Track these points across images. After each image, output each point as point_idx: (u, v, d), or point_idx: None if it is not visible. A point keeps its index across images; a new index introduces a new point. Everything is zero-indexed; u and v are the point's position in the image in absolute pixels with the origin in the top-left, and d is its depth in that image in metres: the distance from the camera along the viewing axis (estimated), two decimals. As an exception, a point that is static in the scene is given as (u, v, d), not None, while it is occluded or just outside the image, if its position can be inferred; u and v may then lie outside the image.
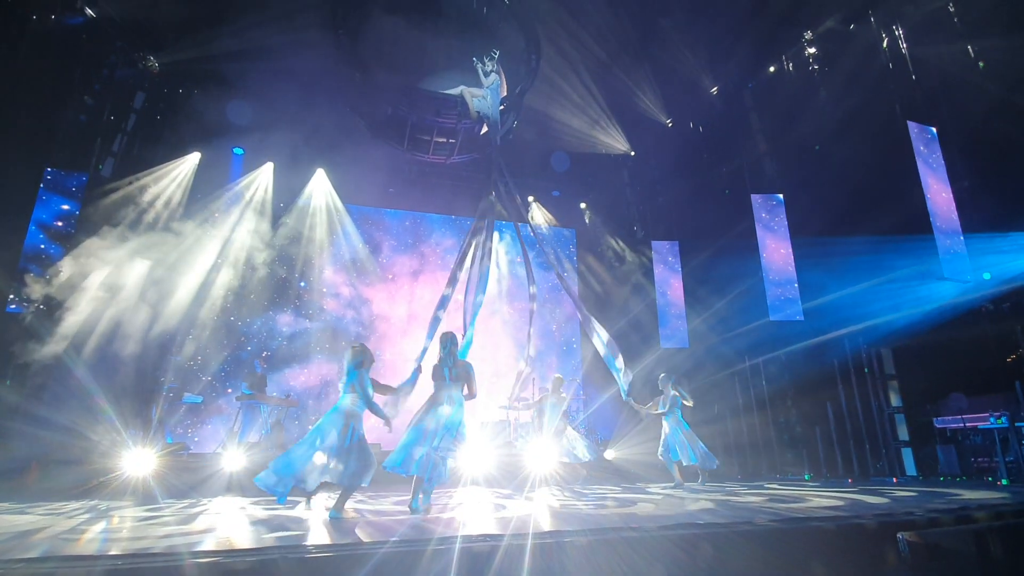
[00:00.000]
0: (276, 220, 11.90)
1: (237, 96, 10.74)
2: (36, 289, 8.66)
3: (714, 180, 12.54)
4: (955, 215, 8.42)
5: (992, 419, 7.67)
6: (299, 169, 12.21)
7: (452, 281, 7.35)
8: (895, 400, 9.53)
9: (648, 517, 4.24)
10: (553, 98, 11.64)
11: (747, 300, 10.69)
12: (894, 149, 8.83)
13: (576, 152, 13.09)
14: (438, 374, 5.38)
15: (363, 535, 3.53)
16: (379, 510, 5.09)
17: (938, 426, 8.58)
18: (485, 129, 9.50)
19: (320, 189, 12.53)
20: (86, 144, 9.86)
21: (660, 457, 8.01)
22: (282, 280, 11.76)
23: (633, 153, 13.58)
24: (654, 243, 12.93)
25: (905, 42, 9.42)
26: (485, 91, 9.33)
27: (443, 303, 7.08)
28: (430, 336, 6.52)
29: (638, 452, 9.98)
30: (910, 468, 9.06)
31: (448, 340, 5.49)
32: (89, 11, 9.39)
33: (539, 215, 14.52)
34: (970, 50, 8.66)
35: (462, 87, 9.74)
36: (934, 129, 8.83)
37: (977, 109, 8.34)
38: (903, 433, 9.29)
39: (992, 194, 8.36)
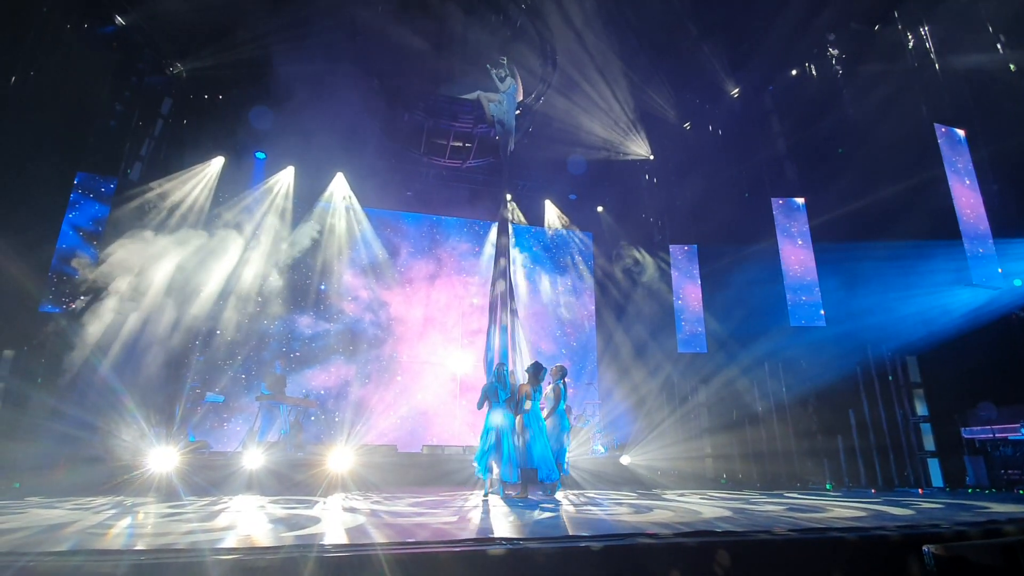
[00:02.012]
0: (296, 223, 12.10)
1: (260, 101, 10.97)
2: (67, 290, 8.94)
3: (733, 183, 12.40)
4: (984, 220, 8.20)
5: (1023, 430, 7.43)
6: (319, 173, 12.41)
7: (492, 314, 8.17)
8: (921, 409, 9.29)
9: (664, 524, 4.20)
10: (571, 101, 11.64)
11: (767, 305, 10.53)
12: (920, 152, 8.64)
13: (594, 155, 13.06)
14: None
15: (381, 536, 3.57)
16: (396, 511, 5.13)
17: (966, 436, 8.34)
18: (498, 136, 9.61)
19: (340, 192, 12.71)
20: (116, 149, 10.15)
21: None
22: (302, 282, 11.95)
23: (652, 157, 13.50)
24: (672, 247, 12.83)
25: (932, 43, 9.22)
26: (501, 96, 9.40)
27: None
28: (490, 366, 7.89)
29: (654, 458, 9.90)
30: (936, 479, 8.82)
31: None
32: (120, 19, 9.69)
33: (556, 218, 14.52)
34: (1000, 50, 8.44)
35: (479, 92, 9.83)
36: (962, 132, 8.62)
37: (1008, 111, 8.12)
38: (929, 443, 9.05)
39: (1023, 198, 8.13)
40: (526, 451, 6.70)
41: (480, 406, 6.98)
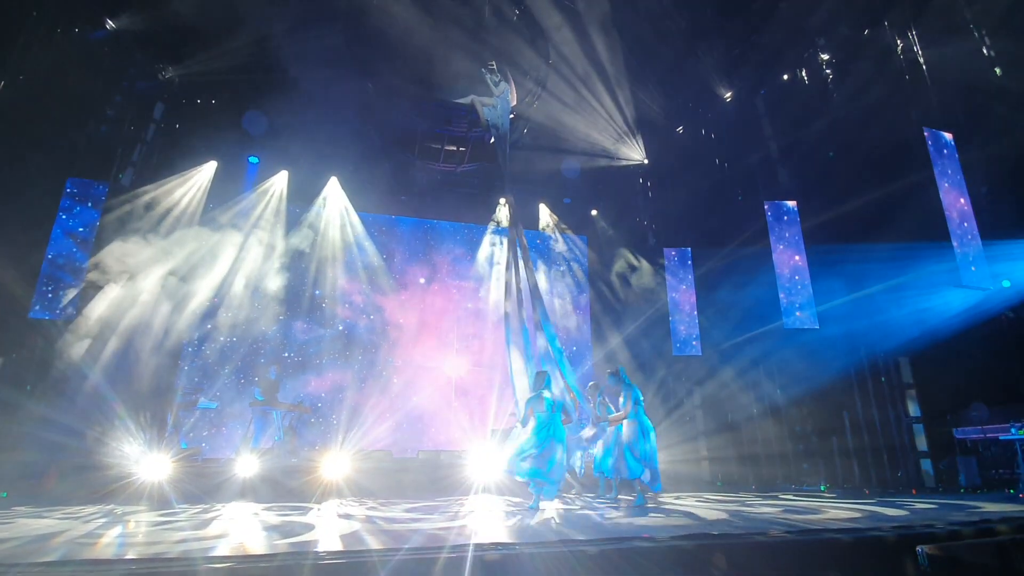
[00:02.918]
0: (290, 227, 12.05)
1: (252, 106, 10.93)
2: (58, 296, 8.85)
3: (726, 187, 12.48)
4: (973, 222, 8.29)
5: (1014, 430, 7.50)
6: (313, 177, 12.36)
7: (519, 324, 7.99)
8: (913, 410, 9.36)
9: (660, 526, 4.20)
10: (565, 105, 11.69)
11: (760, 307, 10.59)
12: (910, 155, 8.75)
13: (587, 159, 13.11)
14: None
15: (376, 542, 3.55)
16: (391, 517, 5.10)
17: (958, 437, 8.41)
18: (493, 139, 9.65)
19: (333, 197, 12.67)
20: (107, 154, 10.08)
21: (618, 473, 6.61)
22: (296, 287, 11.89)
23: (646, 160, 13.58)
24: (666, 250, 12.88)
25: (920, 47, 9.34)
26: (495, 100, 9.42)
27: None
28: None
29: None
30: (929, 480, 8.88)
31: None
32: (111, 24, 9.64)
33: (549, 222, 14.55)
34: (987, 53, 8.56)
35: (472, 96, 9.85)
36: (950, 135, 8.73)
37: (995, 114, 8.23)
38: (922, 444, 9.11)
39: (1011, 200, 8.23)
40: (639, 455, 6.36)
41: (526, 421, 6.26)
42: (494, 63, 9.62)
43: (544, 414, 6.08)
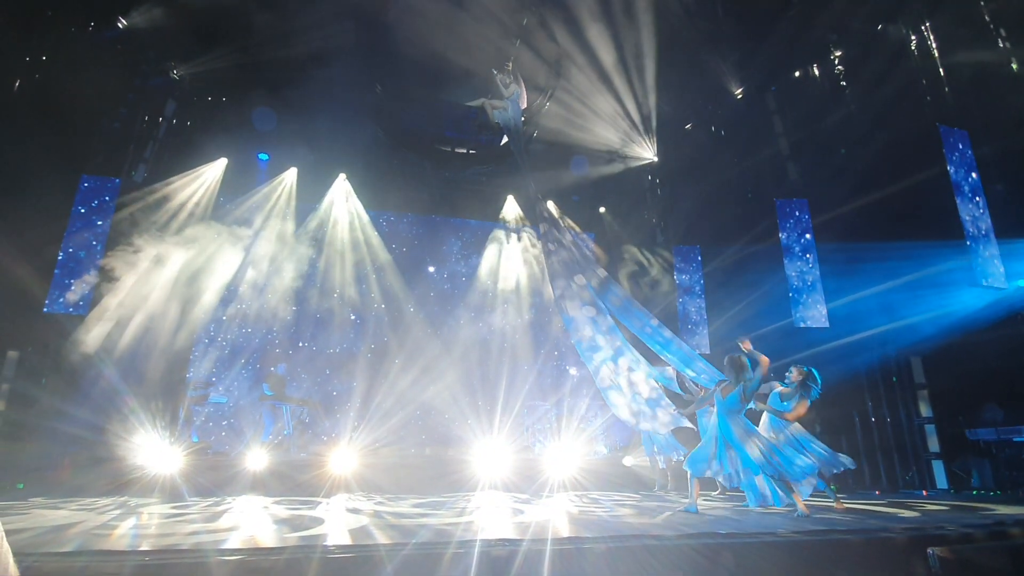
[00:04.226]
0: (299, 224, 12.12)
1: (263, 103, 10.99)
2: (72, 291, 8.98)
3: (736, 184, 12.37)
4: (988, 219, 8.17)
5: (1028, 431, 7.40)
6: (322, 174, 12.43)
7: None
8: (925, 410, 9.25)
9: (668, 525, 4.20)
10: (574, 101, 11.62)
11: (770, 306, 10.50)
12: (923, 152, 8.61)
13: (596, 156, 13.03)
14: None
15: (384, 537, 3.57)
16: (399, 512, 5.13)
17: (971, 438, 8.30)
18: (506, 140, 9.59)
19: (342, 194, 12.73)
20: (120, 151, 10.20)
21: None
22: (305, 283, 11.97)
23: (656, 159, 13.49)
24: (675, 248, 12.80)
25: (935, 42, 9.19)
26: (506, 102, 9.37)
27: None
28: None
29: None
30: (941, 481, 8.78)
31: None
32: (123, 22, 9.72)
33: (557, 219, 14.50)
34: (1002, 47, 8.41)
35: (483, 99, 9.80)
36: (965, 131, 8.60)
37: (1011, 109, 8.09)
38: (934, 445, 9.01)
39: (1027, 198, 8.10)
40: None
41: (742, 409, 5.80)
42: (510, 64, 9.55)
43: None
